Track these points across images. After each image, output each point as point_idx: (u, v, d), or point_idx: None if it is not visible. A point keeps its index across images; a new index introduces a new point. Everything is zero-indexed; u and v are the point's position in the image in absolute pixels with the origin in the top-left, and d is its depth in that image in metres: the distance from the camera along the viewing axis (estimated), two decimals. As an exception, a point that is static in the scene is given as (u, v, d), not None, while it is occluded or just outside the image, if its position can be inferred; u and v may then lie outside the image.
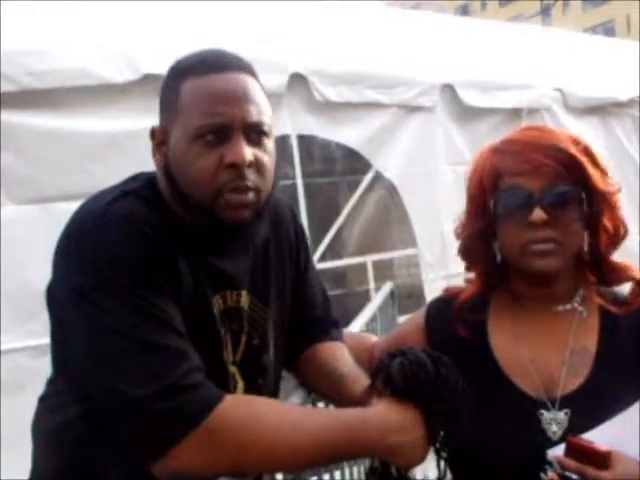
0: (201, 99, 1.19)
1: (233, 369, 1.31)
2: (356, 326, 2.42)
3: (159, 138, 1.25)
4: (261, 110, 1.22)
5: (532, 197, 1.28)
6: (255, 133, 1.21)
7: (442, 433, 1.19)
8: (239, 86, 1.20)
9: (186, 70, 1.22)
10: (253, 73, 1.25)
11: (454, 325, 1.43)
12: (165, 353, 1.10)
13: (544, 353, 1.35)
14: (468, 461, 1.33)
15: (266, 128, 1.23)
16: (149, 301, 1.12)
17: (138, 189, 1.23)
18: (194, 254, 1.23)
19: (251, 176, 1.20)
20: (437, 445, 1.20)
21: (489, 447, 1.30)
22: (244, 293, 1.33)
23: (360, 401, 1.24)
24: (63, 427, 1.25)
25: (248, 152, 1.18)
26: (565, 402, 1.30)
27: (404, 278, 4.76)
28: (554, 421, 1.28)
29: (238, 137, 1.18)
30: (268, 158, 1.23)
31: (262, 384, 1.37)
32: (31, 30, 3.13)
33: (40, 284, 2.95)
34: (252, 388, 1.34)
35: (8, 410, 2.80)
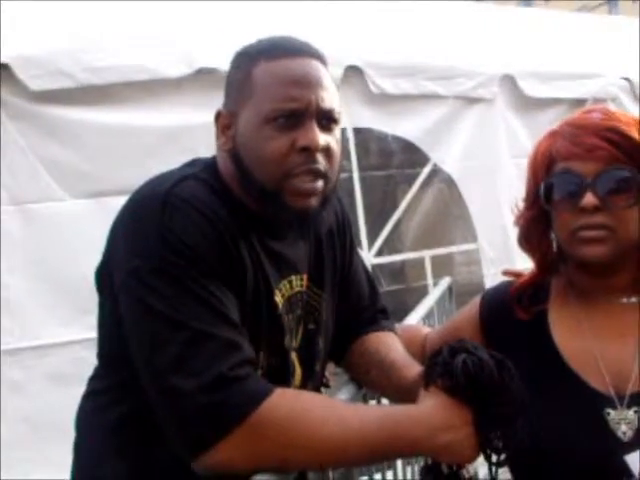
0: (275, 83, 1.18)
1: (293, 355, 1.30)
2: (412, 320, 2.37)
3: (224, 121, 1.24)
4: (332, 97, 1.21)
5: (583, 182, 1.23)
6: (326, 119, 1.20)
7: (495, 439, 1.14)
8: (313, 71, 1.20)
9: (258, 54, 1.22)
10: (323, 60, 1.24)
11: (512, 308, 1.38)
12: (216, 343, 1.07)
13: (613, 347, 1.27)
14: (530, 461, 1.27)
15: (336, 115, 1.22)
16: (206, 288, 1.10)
17: (198, 173, 1.21)
18: (255, 239, 1.22)
19: (322, 161, 1.19)
20: (488, 451, 1.15)
21: (554, 446, 1.24)
22: (305, 277, 1.33)
23: (412, 389, 1.21)
24: (105, 427, 1.24)
25: (321, 137, 1.18)
26: (635, 400, 1.22)
27: (463, 274, 4.67)
28: (623, 420, 1.21)
29: (311, 122, 1.17)
30: (337, 146, 1.22)
31: (318, 371, 1.35)
32: (88, 27, 3.17)
33: (97, 278, 2.95)
34: (309, 375, 1.32)
35: (69, 400, 2.85)
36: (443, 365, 1.14)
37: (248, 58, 1.23)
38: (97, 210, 3.07)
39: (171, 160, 3.11)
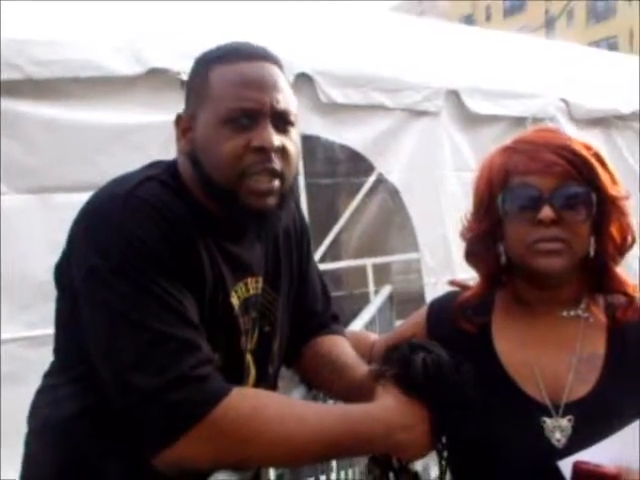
0: (231, 85, 1.20)
1: (249, 357, 1.32)
2: (356, 327, 2.41)
3: (185, 125, 1.26)
4: (288, 99, 1.24)
5: (541, 196, 1.27)
6: (282, 121, 1.23)
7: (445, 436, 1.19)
8: (268, 74, 1.22)
9: (216, 58, 1.24)
10: (279, 64, 1.27)
11: (457, 321, 1.41)
12: (176, 344, 1.09)
13: (550, 359, 1.33)
14: (473, 465, 1.32)
15: (292, 117, 1.24)
16: (164, 289, 1.11)
17: (159, 175, 1.23)
18: (213, 241, 1.23)
19: (277, 161, 1.21)
20: (440, 446, 1.19)
21: (492, 453, 1.29)
22: (260, 280, 1.34)
23: (362, 388, 1.24)
24: (66, 420, 1.23)
25: (276, 138, 1.20)
26: (570, 409, 1.28)
27: (404, 282, 4.75)
28: (557, 428, 1.26)
29: (266, 123, 1.20)
30: (293, 147, 1.25)
31: (271, 373, 1.37)
32: (39, 20, 3.12)
33: (39, 275, 2.92)
34: (263, 376, 1.35)
35: (4, 401, 2.78)
36: (401, 360, 1.16)
37: (206, 63, 1.26)
38: (41, 206, 3.03)
39: (120, 158, 3.10)
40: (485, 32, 7.44)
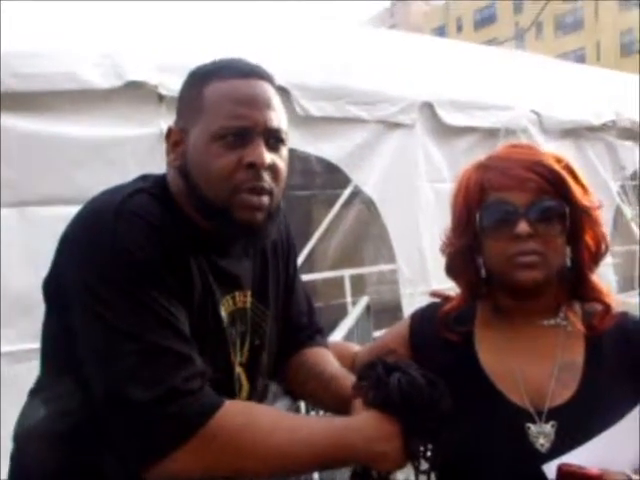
0: (226, 101, 1.21)
1: (239, 370, 1.33)
2: (337, 337, 2.44)
3: (175, 138, 1.27)
4: (280, 118, 1.26)
5: (517, 211, 1.31)
6: (274, 139, 1.24)
7: (422, 448, 1.22)
8: (262, 92, 1.24)
9: (211, 73, 1.25)
10: (273, 82, 1.28)
11: (441, 331, 1.44)
12: (169, 356, 1.10)
13: (532, 366, 1.36)
14: (456, 472, 1.34)
15: (284, 136, 1.26)
16: (157, 302, 1.12)
17: (150, 188, 1.23)
18: (201, 254, 1.24)
19: (267, 179, 1.22)
20: (414, 460, 1.22)
21: (478, 459, 1.31)
22: (249, 294, 1.35)
23: (348, 400, 1.26)
24: (64, 435, 1.22)
25: (267, 155, 1.21)
26: (552, 415, 1.31)
27: (381, 293, 4.78)
28: (541, 434, 1.29)
29: (259, 140, 1.21)
30: (283, 165, 1.27)
31: (260, 385, 1.38)
32: (18, 32, 3.11)
33: (16, 289, 2.87)
34: (254, 390, 1.36)
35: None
36: (377, 381, 1.20)
37: (200, 77, 1.27)
38: (19, 220, 2.98)
39: (98, 173, 3.07)
40: (458, 44, 7.53)
